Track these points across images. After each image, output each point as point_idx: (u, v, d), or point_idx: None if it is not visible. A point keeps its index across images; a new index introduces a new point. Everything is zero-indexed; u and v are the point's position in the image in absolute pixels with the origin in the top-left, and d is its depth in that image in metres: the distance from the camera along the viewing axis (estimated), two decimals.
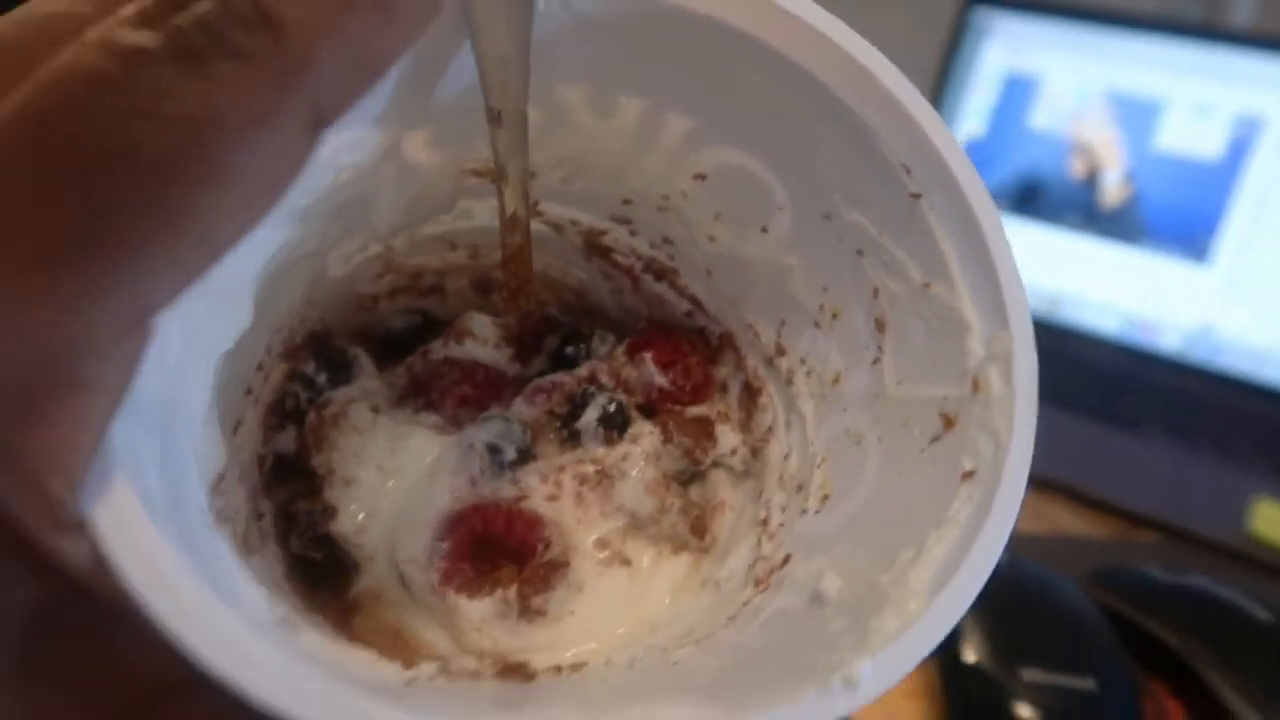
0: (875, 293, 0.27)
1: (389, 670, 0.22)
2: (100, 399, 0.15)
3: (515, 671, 0.24)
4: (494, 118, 0.24)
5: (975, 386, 0.23)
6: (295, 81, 0.15)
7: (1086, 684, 0.49)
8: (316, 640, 0.21)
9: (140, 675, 0.17)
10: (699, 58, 0.25)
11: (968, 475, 0.22)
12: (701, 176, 0.29)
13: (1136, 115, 0.91)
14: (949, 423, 0.24)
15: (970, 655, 0.50)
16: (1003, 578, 0.55)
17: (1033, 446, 0.22)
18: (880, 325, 0.27)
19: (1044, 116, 0.94)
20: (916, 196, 0.25)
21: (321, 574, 0.29)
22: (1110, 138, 0.92)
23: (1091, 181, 0.93)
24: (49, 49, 0.14)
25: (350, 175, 0.25)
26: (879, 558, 0.22)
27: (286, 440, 0.31)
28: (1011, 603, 0.53)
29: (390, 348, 0.35)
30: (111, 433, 0.16)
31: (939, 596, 0.20)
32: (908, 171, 0.25)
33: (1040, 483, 0.73)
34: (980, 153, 0.95)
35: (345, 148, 0.25)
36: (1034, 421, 0.22)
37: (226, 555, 0.21)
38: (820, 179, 0.27)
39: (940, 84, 0.95)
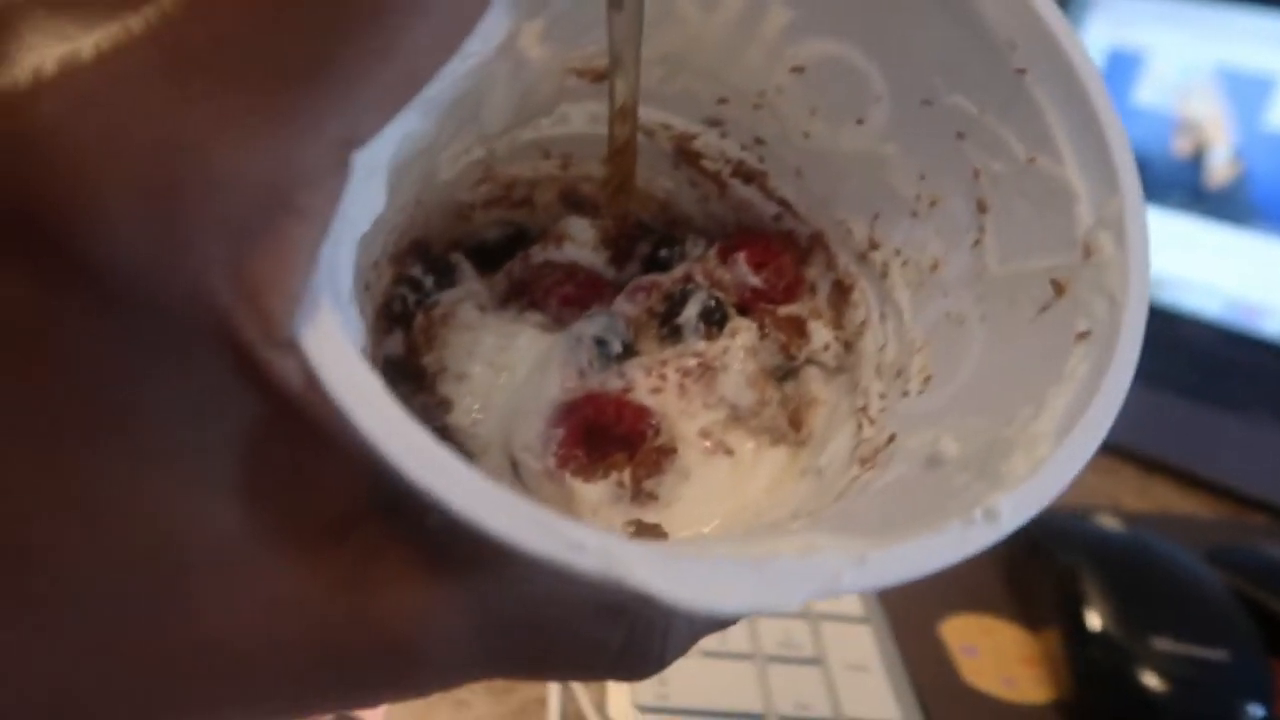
0: (976, 174, 0.27)
1: None
2: (313, 227, 0.16)
3: (648, 531, 0.25)
4: (614, 4, 0.25)
5: (1086, 252, 0.24)
6: None
7: (1218, 654, 0.49)
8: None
9: (340, 499, 0.18)
10: None
11: (1082, 335, 0.23)
12: (799, 69, 0.29)
13: (1246, 91, 0.88)
14: (1060, 289, 0.24)
15: (1095, 622, 0.50)
16: (1124, 547, 0.56)
17: (1147, 307, 0.23)
18: (982, 206, 0.27)
19: (1149, 93, 0.92)
20: (1021, 72, 0.25)
21: None
22: (1218, 114, 0.90)
23: (1197, 160, 0.91)
24: None
25: (475, 63, 0.26)
26: (998, 417, 0.23)
27: (394, 344, 0.32)
28: (1135, 572, 0.53)
29: (486, 258, 0.36)
30: (321, 263, 0.17)
31: (1067, 438, 0.21)
32: (1012, 48, 0.25)
33: (1147, 463, 0.73)
34: None
35: (477, 35, 0.25)
36: (1148, 281, 0.23)
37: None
38: (920, 63, 0.27)
39: None
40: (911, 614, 0.54)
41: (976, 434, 0.24)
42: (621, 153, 0.29)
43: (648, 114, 0.33)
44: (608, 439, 0.29)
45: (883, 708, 0.47)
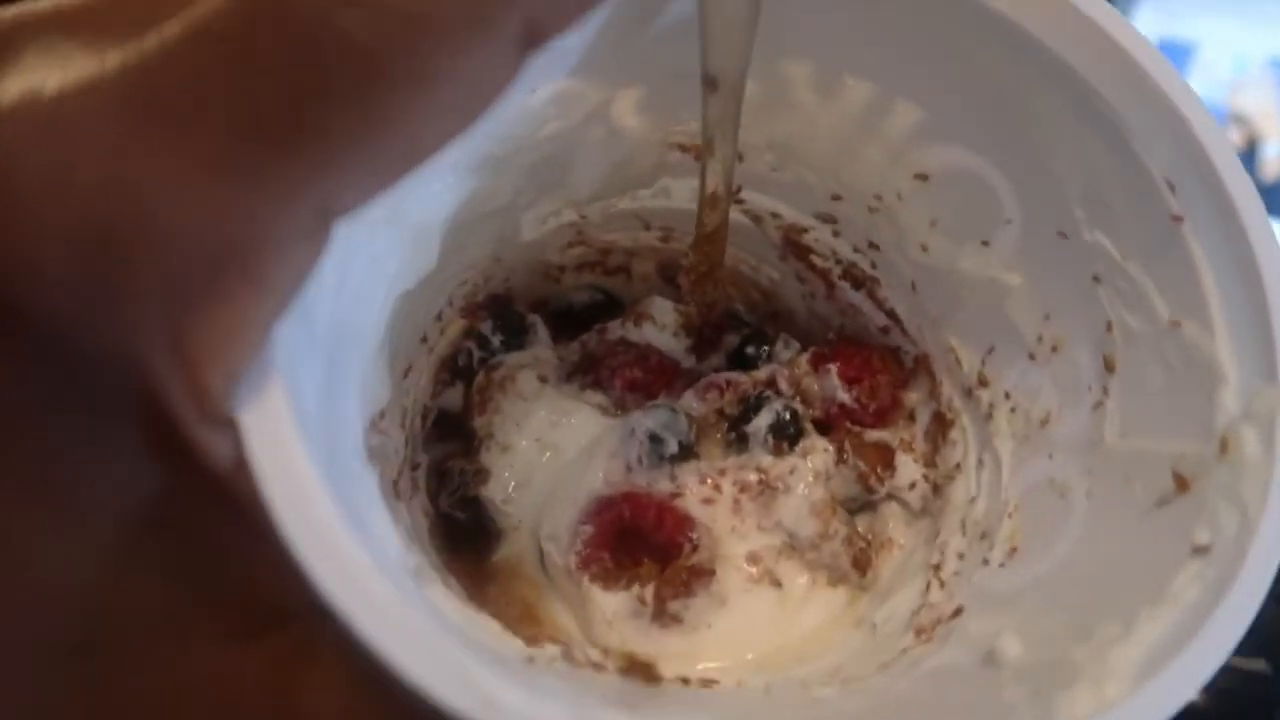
0: (1109, 326, 0.23)
1: (511, 644, 0.21)
2: (270, 298, 0.15)
3: (641, 671, 0.22)
4: (709, 83, 0.23)
5: (1223, 447, 0.20)
6: None
7: (1258, 665, 0.46)
8: (445, 597, 0.20)
9: (264, 589, 0.16)
10: (939, 38, 0.22)
11: (1201, 549, 0.19)
12: (923, 177, 0.26)
13: None
14: (1183, 485, 0.20)
15: None
16: None
17: None
18: (1109, 364, 0.23)
19: (1199, 85, 0.85)
20: (1179, 219, 0.21)
21: (465, 535, 0.29)
22: (1272, 107, 0.86)
23: (1250, 154, 0.86)
24: None
25: (555, 129, 0.25)
26: (1074, 627, 0.19)
27: (454, 397, 0.31)
28: None
29: (568, 323, 0.34)
30: (277, 338, 0.15)
31: (1146, 685, 0.17)
32: (1172, 188, 0.21)
33: None
34: None
35: (554, 99, 0.24)
36: None
37: (372, 493, 0.20)
38: (1061, 189, 0.24)
39: None
40: None
41: (1046, 640, 0.20)
42: (710, 240, 0.27)
43: (757, 200, 0.30)
44: (643, 544, 0.27)
45: None
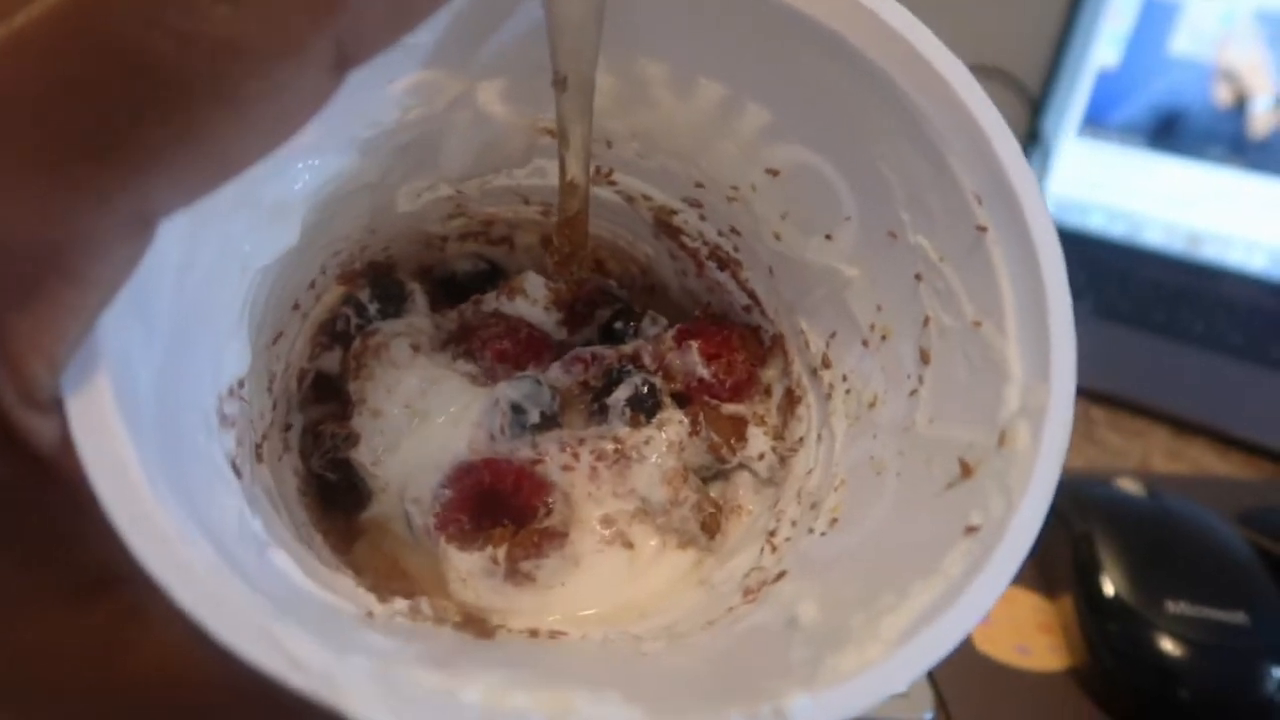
0: (926, 321, 0.25)
1: (356, 601, 0.23)
2: (91, 293, 0.16)
3: (474, 625, 0.24)
4: (559, 82, 0.24)
5: (1002, 439, 0.22)
6: (323, 19, 0.15)
7: (1237, 617, 0.47)
8: (289, 561, 0.21)
9: (95, 558, 0.18)
10: (783, 50, 0.24)
11: (971, 530, 0.21)
12: (774, 172, 0.28)
13: None
14: (967, 471, 0.23)
15: (1109, 588, 0.48)
16: (1143, 511, 0.54)
17: (1045, 514, 0.21)
18: (925, 356, 0.26)
19: (1185, 41, 0.87)
20: (983, 230, 0.23)
21: (336, 495, 0.30)
22: (1260, 62, 0.85)
23: (1239, 110, 0.86)
24: None
25: (418, 115, 0.26)
26: (862, 596, 0.21)
27: (331, 360, 0.32)
28: (1153, 536, 0.52)
29: (452, 291, 0.35)
30: (104, 325, 0.16)
31: (902, 648, 0.19)
32: (979, 201, 0.23)
33: (1182, 424, 0.70)
34: (1115, 83, 0.88)
35: (413, 89, 0.25)
36: (1052, 487, 0.21)
37: (218, 460, 0.21)
38: (890, 194, 0.25)
39: (1073, 9, 0.88)
40: None
41: (839, 607, 0.22)
42: (570, 224, 0.28)
43: (628, 181, 0.32)
44: (501, 508, 0.29)
45: None
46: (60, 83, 0.14)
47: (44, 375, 0.15)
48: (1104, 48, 0.88)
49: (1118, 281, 0.84)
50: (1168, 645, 0.46)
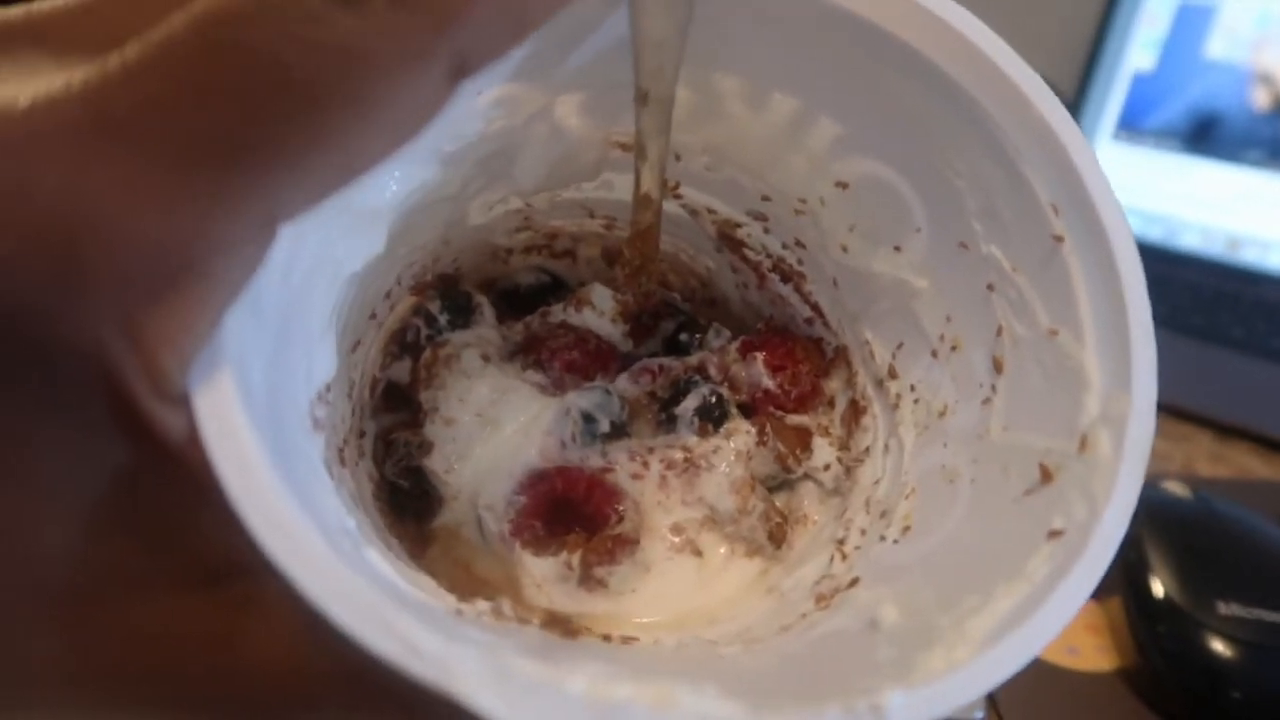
0: (999, 331, 0.26)
1: (443, 599, 0.23)
2: (220, 290, 0.16)
3: (560, 625, 0.24)
4: (641, 97, 0.24)
5: (1082, 445, 0.22)
6: (445, 29, 0.16)
7: None
8: (381, 557, 0.22)
9: (215, 548, 0.18)
10: (856, 63, 0.24)
11: (1055, 534, 0.21)
12: (843, 185, 0.28)
13: None
14: (1047, 476, 0.23)
15: (1159, 589, 0.48)
16: (1190, 513, 0.54)
17: (1128, 521, 0.21)
18: (998, 365, 0.26)
19: (1221, 45, 0.86)
20: (1059, 239, 0.24)
21: (408, 502, 0.31)
22: None
23: (1276, 112, 0.85)
24: None
25: (500, 128, 0.26)
26: (943, 598, 0.22)
27: (401, 370, 0.33)
28: (1201, 538, 0.52)
29: (515, 303, 0.36)
30: (227, 324, 0.17)
31: (991, 649, 0.19)
32: (1055, 211, 0.24)
33: (1225, 428, 0.70)
34: (1151, 87, 0.88)
35: (498, 101, 0.25)
36: (1136, 493, 0.21)
37: (315, 460, 0.22)
38: (962, 205, 0.26)
39: (1107, 13, 0.87)
40: None
41: (919, 609, 0.22)
42: (643, 237, 0.29)
43: (694, 195, 0.32)
44: (574, 515, 0.29)
45: None
46: (197, 90, 0.15)
47: (174, 369, 0.16)
48: (1139, 51, 0.88)
49: (1155, 286, 0.84)
50: (1219, 646, 0.46)
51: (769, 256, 0.33)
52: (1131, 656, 0.48)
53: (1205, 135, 0.87)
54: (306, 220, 0.21)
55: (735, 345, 0.33)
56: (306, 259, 0.22)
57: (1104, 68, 0.87)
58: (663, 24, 0.23)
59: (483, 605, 0.24)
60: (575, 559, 0.28)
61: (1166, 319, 0.78)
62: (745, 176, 0.30)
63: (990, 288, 0.26)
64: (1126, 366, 0.22)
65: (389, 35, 0.15)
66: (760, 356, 0.32)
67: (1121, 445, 0.21)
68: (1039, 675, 0.48)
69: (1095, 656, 0.49)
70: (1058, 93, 0.23)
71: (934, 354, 0.28)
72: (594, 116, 0.28)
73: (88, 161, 0.15)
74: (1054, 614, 0.20)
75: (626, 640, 0.27)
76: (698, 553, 0.29)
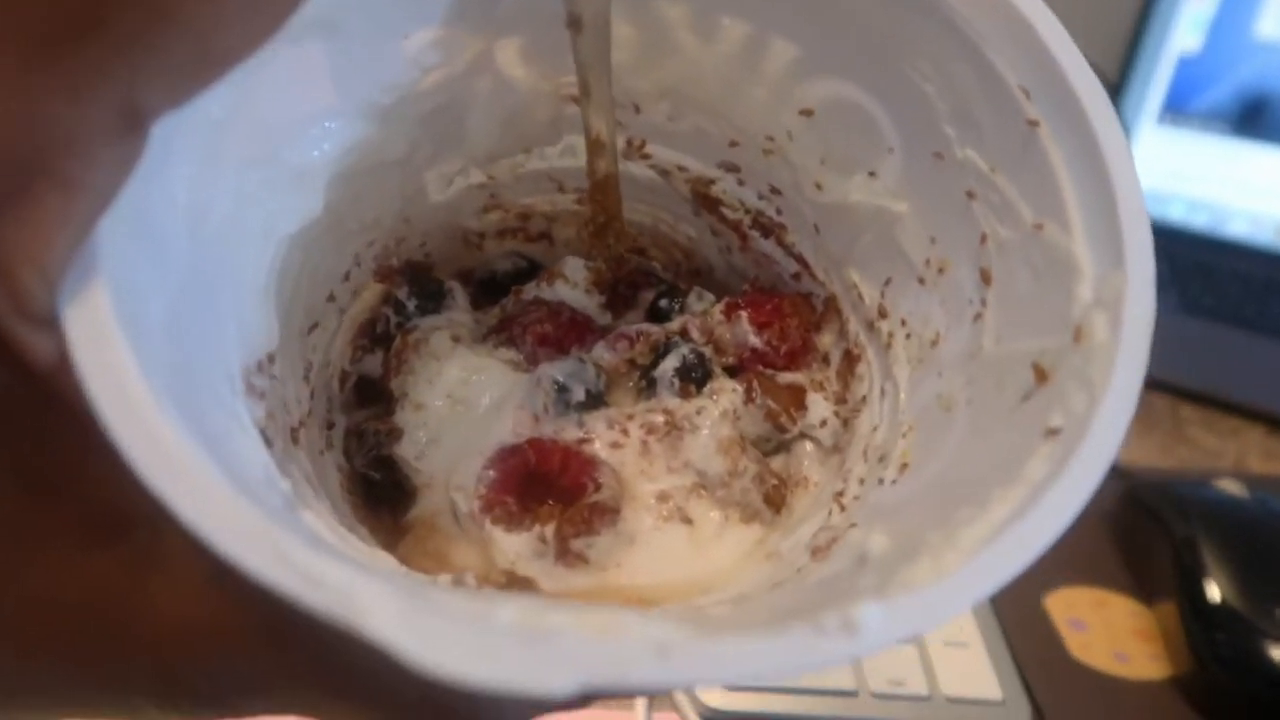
0: (983, 239, 0.24)
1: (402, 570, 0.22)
2: (82, 199, 0.15)
3: (521, 583, 0.22)
4: (573, 23, 0.23)
5: (1077, 336, 0.20)
6: None
7: None
8: (317, 523, 0.20)
9: (108, 497, 0.17)
10: None
11: (1052, 432, 0.19)
12: (808, 113, 0.27)
13: None
14: (1042, 377, 0.20)
15: (1215, 594, 0.45)
16: (1247, 513, 0.51)
17: (1134, 406, 0.18)
18: (985, 277, 0.24)
19: (1272, 23, 0.82)
20: (1034, 124, 0.22)
21: (381, 494, 0.29)
22: None
23: None
24: None
25: (439, 78, 0.25)
26: (937, 517, 0.19)
27: (373, 364, 0.31)
28: (1259, 539, 0.49)
29: (494, 291, 0.34)
30: (101, 242, 0.16)
31: (981, 555, 0.17)
32: (1026, 95, 0.22)
33: (1277, 422, 0.66)
34: (1197, 69, 0.84)
35: (431, 45, 0.24)
36: (1140, 377, 0.19)
37: (244, 420, 0.20)
38: (932, 111, 0.24)
39: None
40: (1014, 586, 0.48)
41: (910, 534, 0.20)
42: (601, 188, 0.27)
43: (662, 153, 0.31)
44: (549, 489, 0.27)
45: (984, 686, 0.43)
46: None
47: (37, 286, 0.15)
48: (1184, 32, 0.84)
49: (1201, 275, 0.80)
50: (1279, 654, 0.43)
51: (747, 212, 0.31)
52: (1186, 664, 0.45)
53: (1255, 118, 0.83)
54: (214, 160, 0.20)
55: (719, 307, 0.31)
56: (224, 206, 0.21)
57: (1148, 50, 0.84)
58: None
59: (443, 579, 0.22)
60: (548, 531, 0.26)
61: (1213, 309, 0.76)
62: (709, 120, 0.29)
63: (970, 195, 0.24)
64: (1118, 246, 0.20)
65: None
66: (745, 314, 0.30)
67: (1119, 327, 0.19)
68: (1087, 682, 0.45)
69: (1146, 664, 0.47)
70: (1100, 75, 0.21)
71: (921, 281, 0.26)
72: (539, 64, 0.26)
73: None
74: (1050, 514, 0.17)
75: None
76: (688, 520, 0.27)
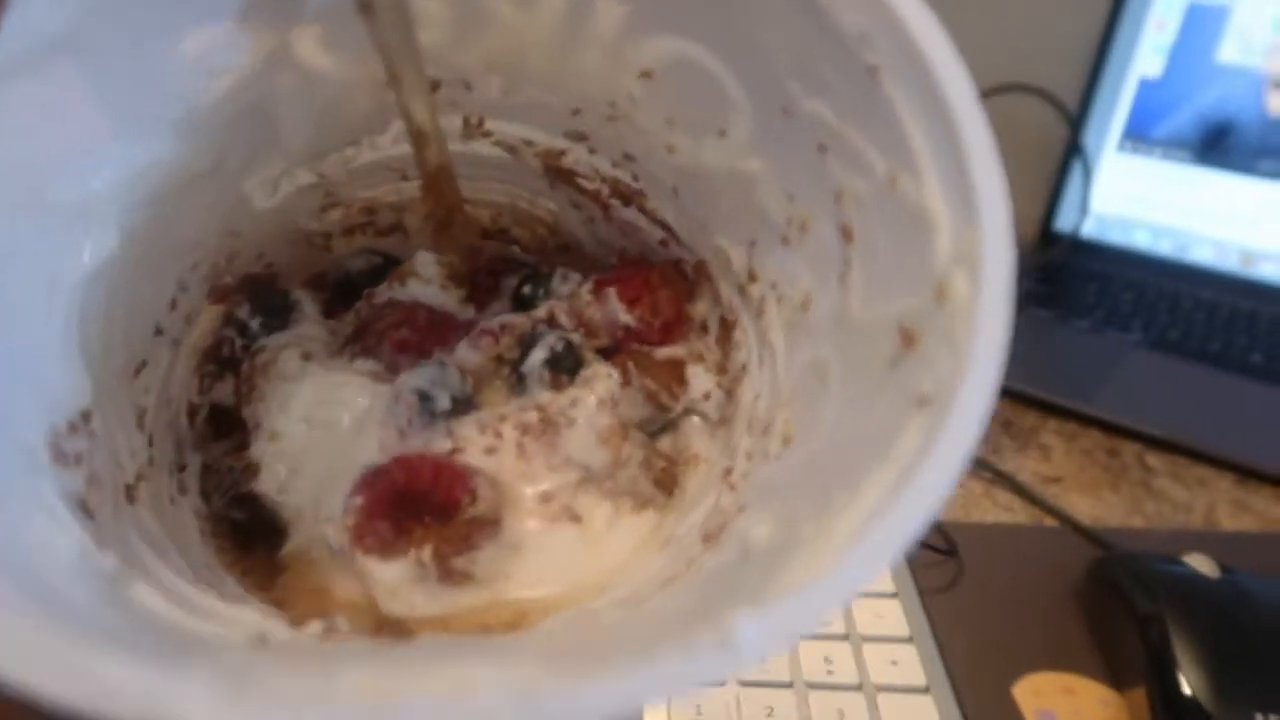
0: (839, 195, 0.22)
1: (257, 627, 0.20)
2: None
3: (391, 628, 0.21)
4: (363, 7, 0.21)
5: (939, 294, 0.19)
6: None
7: None
8: (151, 596, 0.18)
9: None
10: None
11: (923, 401, 0.18)
12: (648, 75, 0.25)
13: None
14: (909, 339, 0.19)
15: (1187, 688, 0.43)
16: (1217, 597, 0.47)
17: (1001, 366, 0.18)
18: (847, 234, 0.22)
19: (1233, 50, 0.82)
20: (875, 69, 0.20)
21: (248, 533, 0.27)
22: None
23: None
24: None
25: (232, 81, 0.23)
26: (815, 503, 0.18)
27: (225, 391, 0.29)
28: (1233, 627, 0.46)
29: (350, 295, 0.32)
30: None
31: (855, 547, 0.16)
32: (864, 39, 0.20)
33: (1246, 471, 0.64)
34: (1159, 94, 0.84)
35: (215, 47, 0.22)
36: (1004, 333, 0.18)
37: (46, 497, 0.18)
38: (774, 64, 0.23)
39: (1113, 17, 0.83)
40: (979, 674, 0.46)
41: (790, 522, 0.19)
42: (435, 180, 0.25)
43: (504, 129, 0.29)
44: (423, 508, 0.25)
45: None
46: None
47: None
48: (1146, 57, 0.84)
49: (1168, 305, 0.80)
50: None
51: (604, 181, 0.30)
52: None
53: (1217, 145, 0.83)
54: None
55: (587, 286, 0.30)
56: None
57: (1110, 74, 0.83)
58: None
59: (314, 627, 0.21)
60: (425, 554, 0.24)
61: (1178, 343, 0.74)
62: (544, 91, 0.27)
63: (822, 149, 0.23)
64: (969, 193, 0.19)
65: None
66: (613, 292, 0.29)
67: (978, 280, 0.18)
68: None
69: None
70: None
71: (785, 240, 0.25)
72: (345, 52, 0.24)
73: None
74: (923, 491, 0.16)
75: (510, 626, 0.24)
76: (576, 518, 0.26)
